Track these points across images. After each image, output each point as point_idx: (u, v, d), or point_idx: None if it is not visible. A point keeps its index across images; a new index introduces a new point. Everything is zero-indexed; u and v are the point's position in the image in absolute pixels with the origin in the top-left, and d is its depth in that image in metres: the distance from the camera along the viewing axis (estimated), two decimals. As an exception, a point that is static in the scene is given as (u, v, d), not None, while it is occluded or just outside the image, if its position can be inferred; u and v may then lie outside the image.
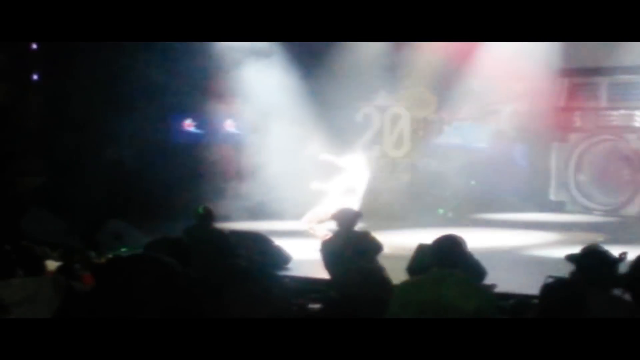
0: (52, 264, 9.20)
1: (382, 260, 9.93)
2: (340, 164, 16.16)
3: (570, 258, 6.48)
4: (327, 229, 15.67)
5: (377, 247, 10.46)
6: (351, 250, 10.16)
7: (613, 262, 6.38)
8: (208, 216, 11.94)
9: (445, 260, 6.57)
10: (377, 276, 6.52)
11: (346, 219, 10.77)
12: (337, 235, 10.77)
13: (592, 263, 6.32)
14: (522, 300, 7.99)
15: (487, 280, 9.49)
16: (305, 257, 13.31)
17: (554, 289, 5.61)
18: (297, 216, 15.96)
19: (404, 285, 6.62)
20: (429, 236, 11.41)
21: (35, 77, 20.37)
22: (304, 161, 18.48)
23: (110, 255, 9.21)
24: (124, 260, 5.98)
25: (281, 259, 13.09)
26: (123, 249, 12.28)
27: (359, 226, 10.96)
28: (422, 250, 10.53)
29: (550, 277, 5.82)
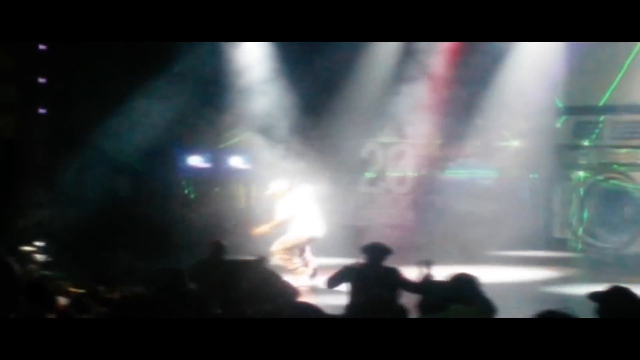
0: (62, 300, 9.22)
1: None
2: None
3: (593, 297, 6.40)
4: (300, 260, 15.62)
5: (406, 284, 10.52)
6: (380, 283, 10.26)
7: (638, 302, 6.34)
8: (219, 249, 12.09)
9: (461, 298, 6.57)
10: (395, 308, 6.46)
11: (376, 253, 10.85)
12: (365, 267, 10.81)
13: (616, 302, 6.26)
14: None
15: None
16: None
17: None
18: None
19: None
20: (436, 273, 11.47)
21: (41, 110, 20.43)
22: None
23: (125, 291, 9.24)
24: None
25: (291, 294, 13.10)
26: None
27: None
28: (428, 286, 10.54)
29: None
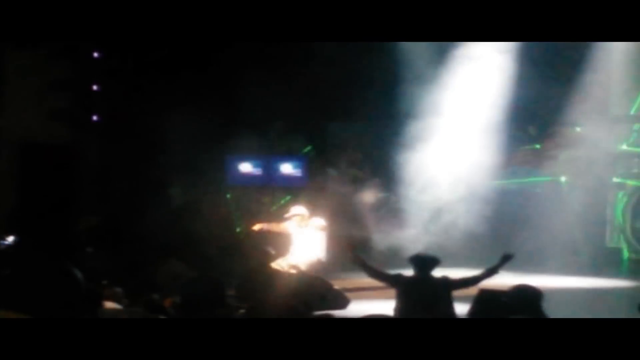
0: (110, 305, 9.25)
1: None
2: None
3: None
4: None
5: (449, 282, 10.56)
6: (436, 295, 10.23)
7: None
8: (268, 258, 12.18)
9: (524, 310, 6.44)
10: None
11: (424, 264, 10.72)
12: (417, 279, 10.67)
13: None
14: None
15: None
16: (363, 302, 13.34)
17: None
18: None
19: None
20: (487, 282, 11.39)
21: (95, 117, 20.59)
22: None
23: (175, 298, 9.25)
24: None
25: (340, 302, 13.12)
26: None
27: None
28: (483, 296, 10.47)
29: None
